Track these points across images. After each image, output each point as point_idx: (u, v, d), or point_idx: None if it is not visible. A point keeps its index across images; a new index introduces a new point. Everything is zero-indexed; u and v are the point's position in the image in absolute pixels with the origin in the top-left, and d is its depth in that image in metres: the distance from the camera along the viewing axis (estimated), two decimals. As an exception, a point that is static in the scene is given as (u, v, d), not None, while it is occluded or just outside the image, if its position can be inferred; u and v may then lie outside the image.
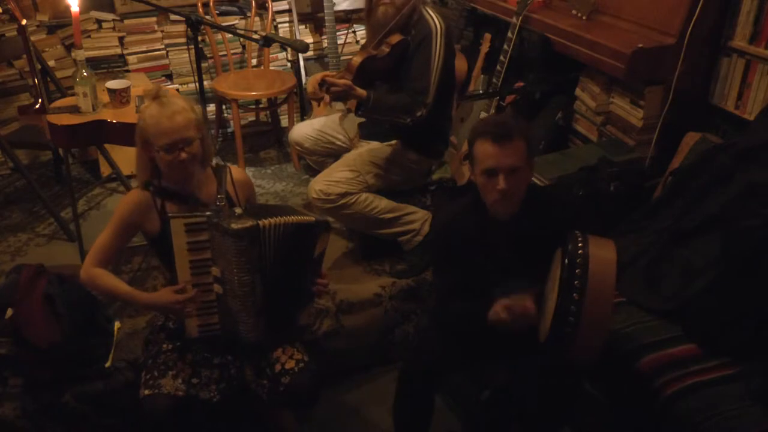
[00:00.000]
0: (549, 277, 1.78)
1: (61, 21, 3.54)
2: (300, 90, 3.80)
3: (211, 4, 3.67)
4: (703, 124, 2.52)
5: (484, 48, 3.39)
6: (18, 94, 3.49)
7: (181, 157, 1.79)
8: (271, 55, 3.85)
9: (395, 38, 2.43)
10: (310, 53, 3.99)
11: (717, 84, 2.51)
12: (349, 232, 2.88)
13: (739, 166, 2.16)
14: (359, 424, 2.37)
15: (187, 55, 3.78)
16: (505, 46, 2.99)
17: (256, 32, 3.46)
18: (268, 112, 3.94)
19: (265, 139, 3.95)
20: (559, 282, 1.62)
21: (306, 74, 3.82)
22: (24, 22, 2.84)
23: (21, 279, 2.10)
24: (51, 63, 3.44)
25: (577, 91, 2.96)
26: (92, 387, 2.15)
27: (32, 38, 3.14)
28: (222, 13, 3.80)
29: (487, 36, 3.40)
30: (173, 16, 3.70)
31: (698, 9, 2.38)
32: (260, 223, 1.74)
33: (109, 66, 3.67)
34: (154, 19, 3.68)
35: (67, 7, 2.80)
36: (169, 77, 3.84)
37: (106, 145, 3.07)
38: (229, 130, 3.88)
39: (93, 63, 3.53)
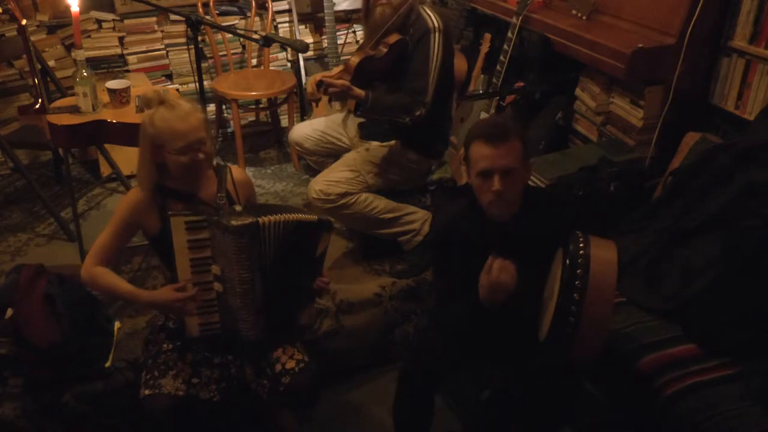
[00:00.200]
0: (550, 277, 1.79)
1: (61, 21, 3.54)
2: (300, 90, 3.81)
3: (211, 4, 3.67)
4: (703, 124, 2.52)
5: (484, 48, 3.39)
6: (18, 94, 3.49)
7: (199, 157, 1.79)
8: (271, 55, 3.85)
9: (393, 38, 2.43)
10: (310, 53, 3.99)
11: (717, 84, 2.51)
12: (349, 232, 2.88)
13: (739, 166, 2.16)
14: (359, 424, 2.37)
15: (187, 55, 3.78)
16: (505, 46, 2.99)
17: (256, 32, 3.46)
18: (268, 112, 3.94)
19: (265, 139, 3.95)
20: (560, 282, 1.62)
21: (306, 74, 3.82)
22: (24, 22, 2.84)
23: (21, 279, 2.10)
24: (51, 63, 3.44)
25: (577, 91, 2.96)
26: (92, 387, 2.14)
27: (32, 38, 3.14)
28: (222, 13, 3.80)
29: (487, 36, 3.40)
30: (173, 16, 3.70)
31: (698, 9, 2.38)
32: (260, 220, 1.74)
33: (109, 66, 3.67)
34: (154, 19, 3.68)
35: (67, 7, 2.80)
36: (169, 77, 3.84)
37: (106, 145, 3.07)
38: (229, 130, 3.88)
39: (93, 63, 3.53)
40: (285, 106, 3.65)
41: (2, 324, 2.05)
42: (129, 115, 2.55)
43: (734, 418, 1.73)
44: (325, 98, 3.27)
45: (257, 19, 3.84)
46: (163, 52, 3.76)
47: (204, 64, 3.77)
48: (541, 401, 1.84)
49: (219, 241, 1.75)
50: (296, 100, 3.69)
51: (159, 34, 3.73)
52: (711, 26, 2.44)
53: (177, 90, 3.65)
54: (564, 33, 2.78)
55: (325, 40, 3.72)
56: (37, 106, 2.81)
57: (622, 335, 2.03)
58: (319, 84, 2.40)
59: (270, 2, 3.77)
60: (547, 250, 1.80)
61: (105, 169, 3.36)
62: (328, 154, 2.94)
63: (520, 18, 2.96)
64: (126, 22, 3.64)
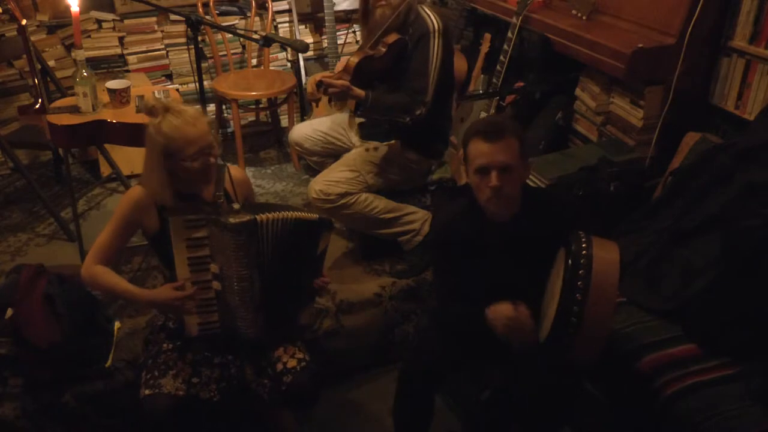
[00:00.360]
0: (551, 277, 1.79)
1: (61, 21, 3.54)
2: (300, 90, 3.81)
3: (211, 4, 3.67)
4: (703, 124, 2.53)
5: (484, 48, 3.39)
6: (18, 94, 3.49)
7: (210, 161, 1.80)
8: (271, 55, 3.85)
9: (392, 37, 2.43)
10: (310, 53, 3.99)
11: (717, 84, 2.51)
12: (349, 232, 2.88)
13: (739, 166, 2.16)
14: (359, 424, 2.37)
15: (187, 55, 3.79)
16: (505, 46, 2.99)
17: (256, 32, 3.47)
18: (268, 112, 3.94)
19: (265, 139, 3.95)
20: (562, 282, 1.62)
21: (306, 74, 3.82)
22: (24, 22, 2.84)
23: (21, 279, 2.10)
24: (51, 63, 3.44)
25: (577, 91, 2.96)
26: (92, 387, 2.15)
27: (32, 38, 3.14)
28: (222, 13, 3.80)
29: (487, 36, 3.40)
30: (173, 16, 3.70)
31: (698, 9, 2.38)
32: (258, 218, 1.74)
33: (109, 66, 3.67)
34: (154, 19, 3.68)
35: (67, 7, 2.80)
36: (169, 77, 3.84)
37: (106, 145, 3.06)
38: (229, 130, 3.88)
39: (93, 63, 3.53)
40: (285, 106, 3.64)
41: (2, 324, 2.05)
42: (129, 115, 2.55)
43: (734, 418, 1.73)
44: (325, 98, 3.27)
45: (257, 19, 3.84)
46: (163, 52, 3.76)
47: (204, 64, 3.77)
48: (541, 401, 1.83)
49: (217, 239, 1.75)
50: (296, 100, 3.69)
51: (159, 34, 3.73)
52: (711, 26, 2.44)
53: (177, 90, 3.64)
54: (564, 33, 2.78)
55: (325, 40, 3.72)
56: (37, 106, 2.81)
57: (622, 335, 2.03)
58: (319, 84, 2.40)
59: (270, 2, 3.77)
60: (546, 250, 1.80)
61: (105, 169, 3.36)
62: (328, 154, 2.94)
63: (520, 18, 2.96)
64: (126, 22, 3.64)
